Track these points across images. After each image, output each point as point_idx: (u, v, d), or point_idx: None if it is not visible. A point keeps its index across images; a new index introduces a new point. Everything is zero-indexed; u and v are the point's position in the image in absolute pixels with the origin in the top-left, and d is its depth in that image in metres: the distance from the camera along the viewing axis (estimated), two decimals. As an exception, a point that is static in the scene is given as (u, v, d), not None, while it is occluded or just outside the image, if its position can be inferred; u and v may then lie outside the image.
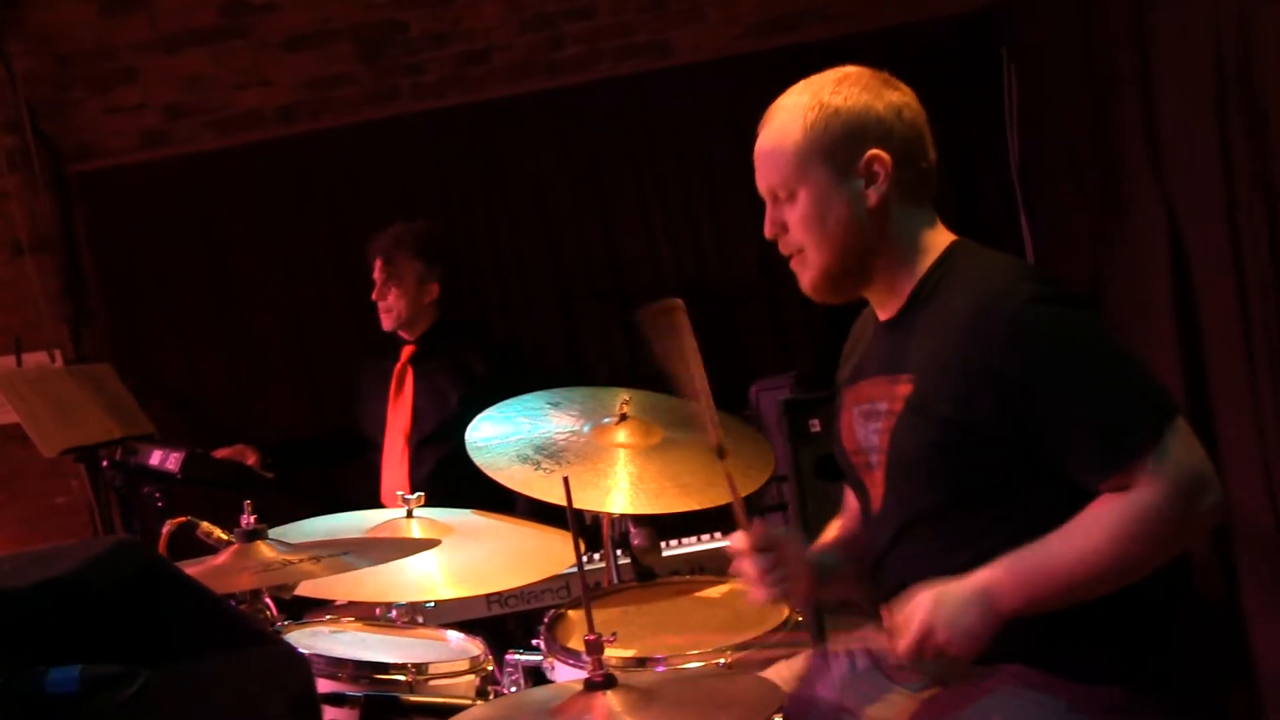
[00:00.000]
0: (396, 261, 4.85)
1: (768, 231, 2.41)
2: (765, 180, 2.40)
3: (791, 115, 2.34)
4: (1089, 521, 2.09)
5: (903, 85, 2.38)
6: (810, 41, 5.31)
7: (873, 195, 2.30)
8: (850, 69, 2.38)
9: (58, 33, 5.52)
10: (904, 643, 2.14)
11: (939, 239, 2.37)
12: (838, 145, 2.30)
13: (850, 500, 2.63)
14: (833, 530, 2.70)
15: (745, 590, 2.43)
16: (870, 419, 2.37)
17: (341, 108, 5.55)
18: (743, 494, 3.17)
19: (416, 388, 4.89)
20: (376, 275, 4.88)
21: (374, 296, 4.90)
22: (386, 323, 4.92)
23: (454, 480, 4.40)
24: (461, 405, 4.68)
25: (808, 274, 2.38)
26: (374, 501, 4.80)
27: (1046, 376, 2.11)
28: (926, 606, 2.12)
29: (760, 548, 2.40)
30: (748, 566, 2.40)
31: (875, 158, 2.29)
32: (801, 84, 2.39)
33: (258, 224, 5.51)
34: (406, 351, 4.93)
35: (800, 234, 2.35)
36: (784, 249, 2.41)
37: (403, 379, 4.93)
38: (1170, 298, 3.43)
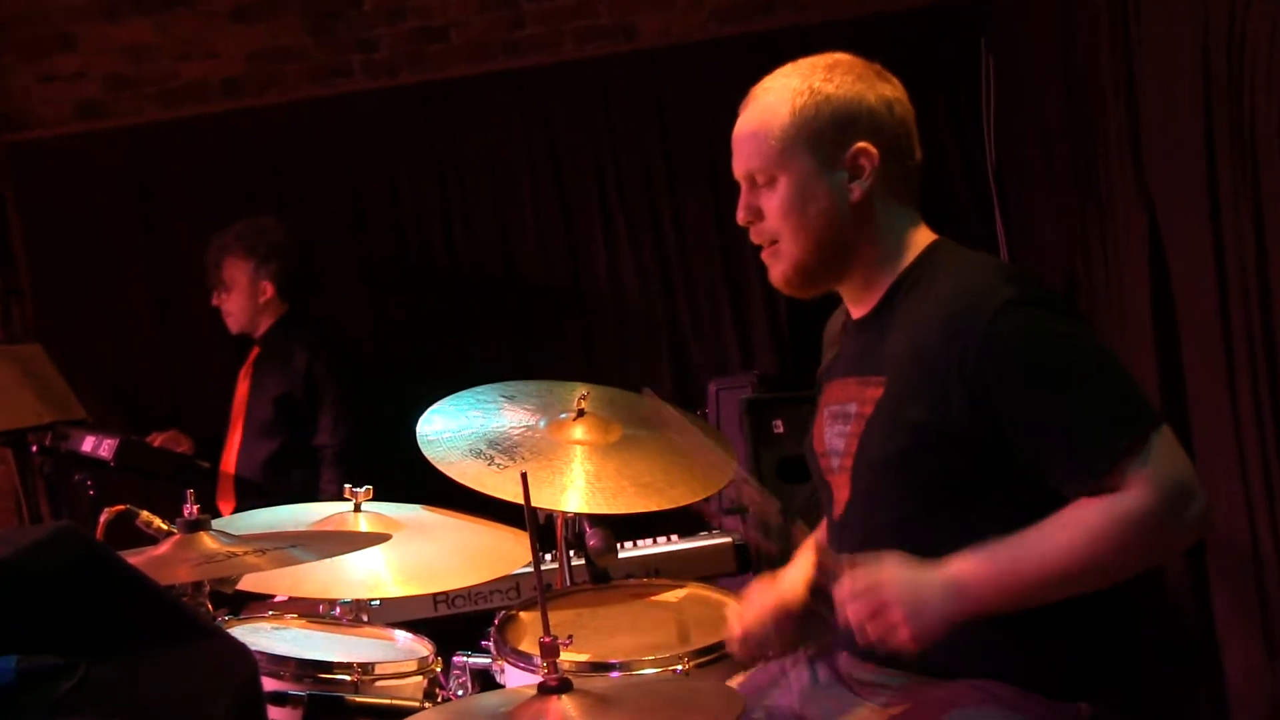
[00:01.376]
0: (225, 265, 4.94)
1: (740, 217, 2.39)
2: (744, 163, 2.37)
3: (779, 98, 2.32)
4: (1069, 520, 2.08)
5: (895, 79, 2.37)
6: (780, 29, 5.34)
7: (856, 189, 2.29)
8: (843, 56, 2.36)
9: (-12, -6, 5.47)
10: (856, 609, 2.12)
11: (919, 238, 2.37)
12: (825, 134, 2.29)
13: None
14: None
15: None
16: (838, 421, 2.38)
17: (290, 83, 5.54)
18: (699, 496, 3.23)
19: (251, 386, 4.99)
20: (210, 281, 4.96)
21: (213, 304, 4.98)
22: (230, 327, 5.04)
23: (285, 478, 4.46)
24: (277, 403, 4.76)
25: (780, 266, 2.37)
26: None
27: (1025, 381, 2.11)
28: (892, 580, 2.11)
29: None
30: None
31: (863, 150, 2.29)
32: (790, 66, 2.37)
33: (198, 202, 5.50)
34: (253, 352, 5.05)
35: (777, 222, 2.33)
36: (756, 238, 2.40)
37: (245, 377, 5.04)
38: (1148, 301, 3.45)
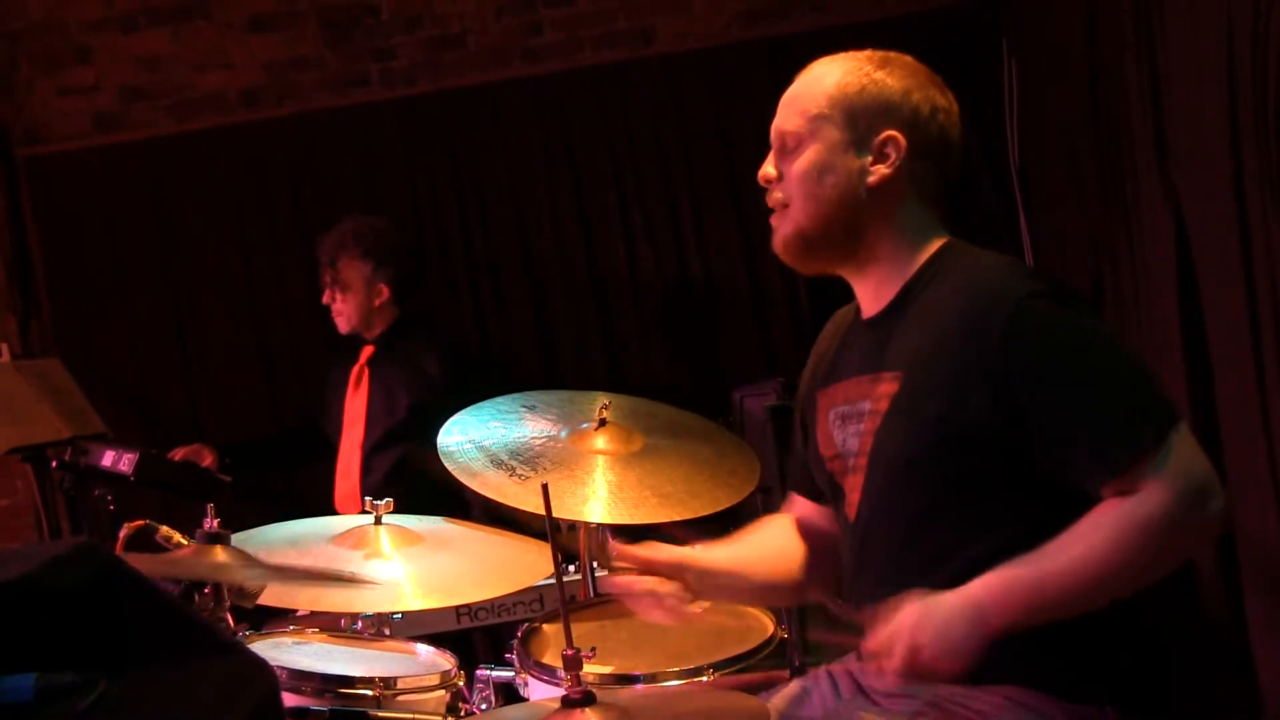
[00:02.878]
0: (341, 265, 4.88)
1: (762, 176, 2.42)
2: (780, 123, 2.40)
3: (830, 70, 2.37)
4: (1089, 528, 2.08)
5: (950, 94, 2.40)
6: (799, 32, 5.33)
7: (876, 174, 2.31)
8: (909, 58, 2.40)
9: (6, 7, 5.51)
10: (890, 661, 2.11)
11: (937, 239, 2.38)
12: (860, 113, 2.32)
13: (787, 511, 2.67)
14: (743, 541, 2.68)
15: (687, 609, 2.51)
16: (849, 420, 2.38)
17: (307, 93, 5.56)
18: (722, 505, 3.23)
19: (371, 390, 4.92)
20: (324, 280, 4.90)
21: (324, 301, 4.92)
22: (340, 327, 4.97)
23: (409, 486, 4.44)
24: (412, 410, 4.74)
25: (784, 229, 2.39)
26: (328, 507, 4.81)
27: (1045, 375, 2.12)
28: (913, 620, 2.10)
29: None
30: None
31: (892, 139, 2.31)
32: (852, 51, 2.41)
33: (216, 214, 5.52)
34: (365, 352, 4.97)
35: (793, 186, 2.36)
36: (770, 199, 2.42)
37: (360, 381, 4.96)
38: (1175, 301, 3.44)
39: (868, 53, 2.40)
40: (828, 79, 2.36)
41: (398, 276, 4.93)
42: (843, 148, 2.32)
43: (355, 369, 4.98)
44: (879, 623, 2.14)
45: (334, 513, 4.72)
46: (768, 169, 2.41)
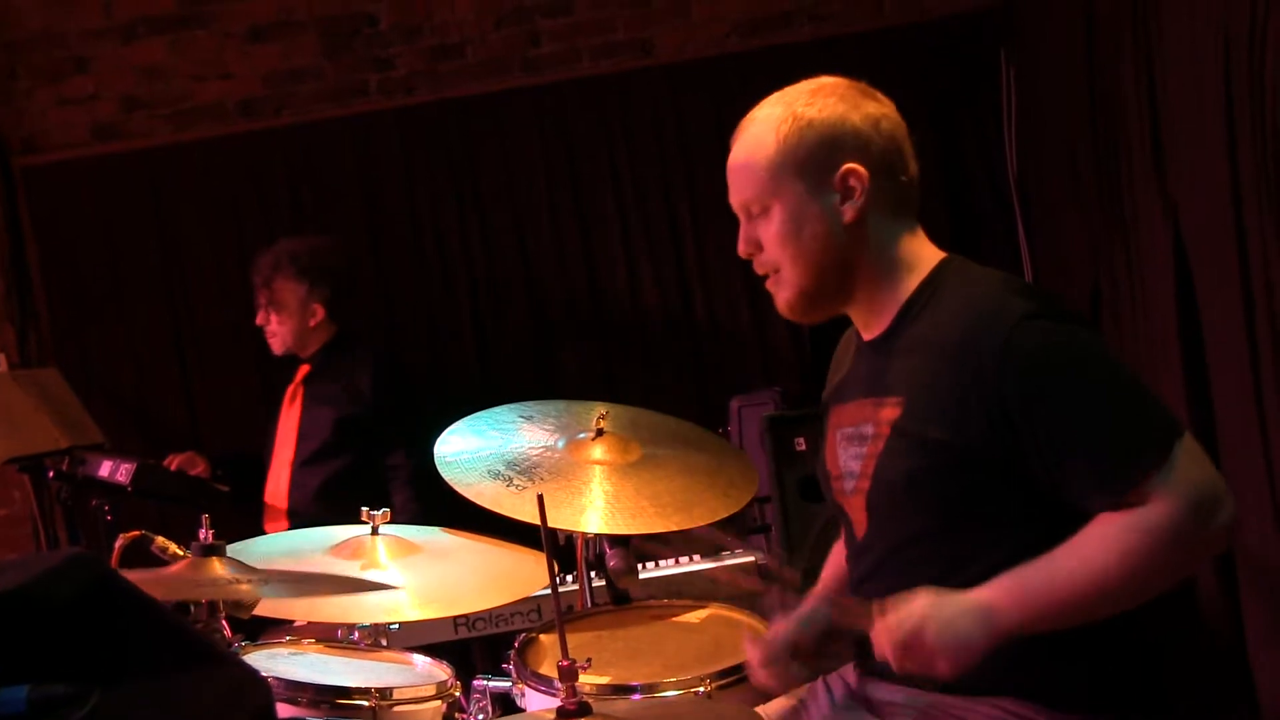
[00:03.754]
0: (275, 286, 4.87)
1: (742, 250, 2.41)
2: (738, 195, 2.39)
3: (764, 128, 2.34)
4: (1097, 538, 2.08)
5: (881, 96, 2.37)
6: (799, 42, 5.35)
7: (849, 211, 2.29)
8: (826, 80, 2.37)
9: (4, 17, 5.51)
10: (894, 651, 2.11)
11: (925, 254, 2.36)
12: (811, 158, 2.29)
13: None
14: (830, 565, 2.70)
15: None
16: (853, 443, 2.37)
17: (305, 103, 5.56)
18: (720, 516, 3.23)
19: (304, 409, 4.93)
20: (259, 301, 4.91)
21: (258, 322, 4.94)
22: (274, 348, 4.98)
23: (341, 502, 4.45)
24: (339, 426, 4.75)
25: (784, 294, 2.38)
26: (257, 525, 4.84)
27: (1042, 397, 2.10)
28: (922, 609, 2.10)
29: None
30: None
31: (851, 171, 2.28)
32: (775, 96, 2.38)
33: (214, 224, 5.51)
34: (301, 371, 5.00)
35: (775, 251, 2.35)
36: (759, 268, 2.41)
37: (294, 399, 4.99)
38: (1174, 311, 3.45)
39: (790, 92, 2.36)
40: (766, 136, 2.32)
41: (332, 297, 4.93)
42: (807, 198, 2.30)
43: (290, 388, 5.01)
44: (888, 610, 2.14)
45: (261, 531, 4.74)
46: (744, 243, 2.40)
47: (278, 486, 4.91)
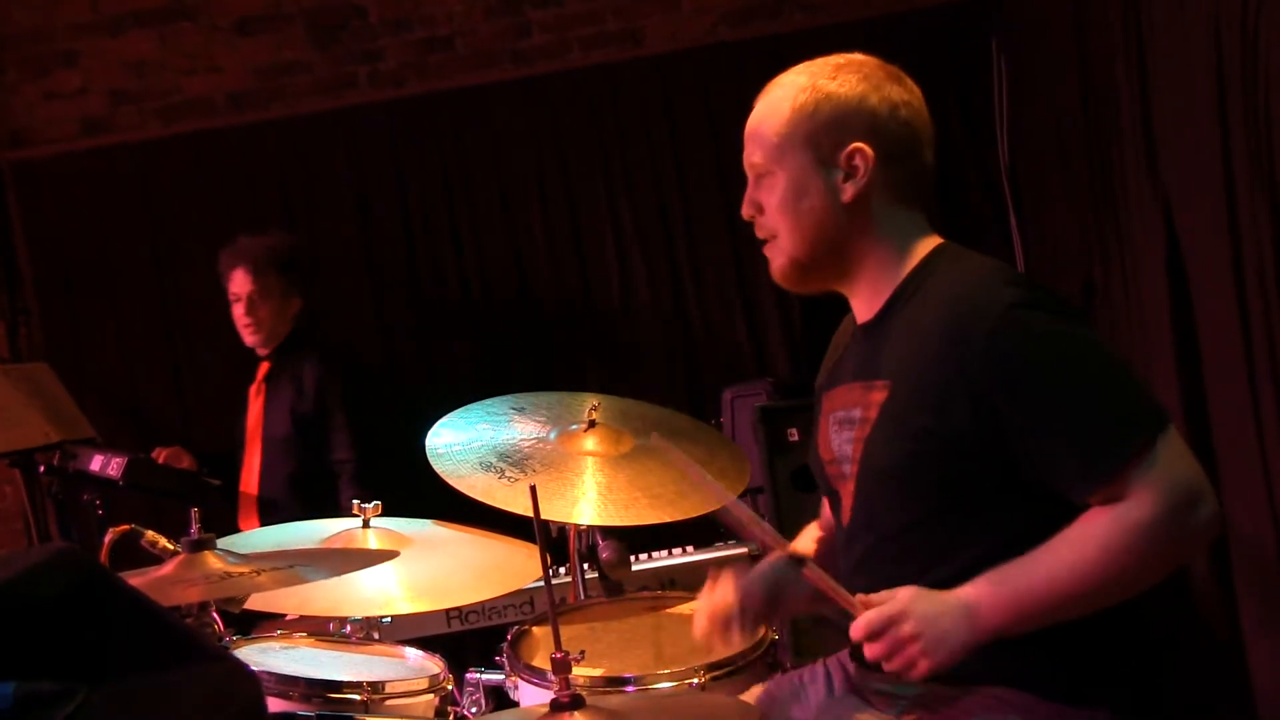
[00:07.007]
0: (268, 278, 4.91)
1: (745, 211, 2.42)
2: (749, 156, 2.40)
3: (784, 94, 2.34)
4: (1078, 535, 2.08)
5: (910, 82, 2.37)
6: (789, 32, 5.34)
7: (849, 189, 2.30)
8: (858, 56, 2.37)
9: (-10, 12, 5.48)
10: (875, 646, 2.11)
11: (925, 242, 2.36)
12: (822, 132, 2.30)
13: (827, 511, 2.62)
14: (807, 539, 2.69)
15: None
16: (844, 427, 2.37)
17: (294, 96, 5.54)
18: (712, 507, 3.21)
19: (266, 406, 4.98)
20: (244, 289, 4.91)
21: (243, 312, 4.93)
22: (251, 338, 5.00)
23: (309, 497, 4.45)
24: (294, 421, 4.81)
25: (778, 260, 2.39)
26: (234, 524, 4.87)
27: (1028, 385, 2.10)
28: (905, 604, 2.10)
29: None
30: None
31: (857, 151, 2.29)
32: (804, 64, 2.39)
33: (204, 218, 5.49)
34: (262, 369, 5.03)
35: (774, 217, 2.35)
36: (759, 231, 2.42)
37: (257, 397, 5.03)
38: (1167, 303, 3.44)
39: (820, 63, 2.37)
40: (783, 103, 2.33)
41: (306, 291, 4.99)
42: (811, 170, 2.31)
43: (253, 386, 5.04)
44: (873, 610, 2.13)
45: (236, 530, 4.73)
46: (748, 205, 2.41)
47: (249, 484, 4.96)
